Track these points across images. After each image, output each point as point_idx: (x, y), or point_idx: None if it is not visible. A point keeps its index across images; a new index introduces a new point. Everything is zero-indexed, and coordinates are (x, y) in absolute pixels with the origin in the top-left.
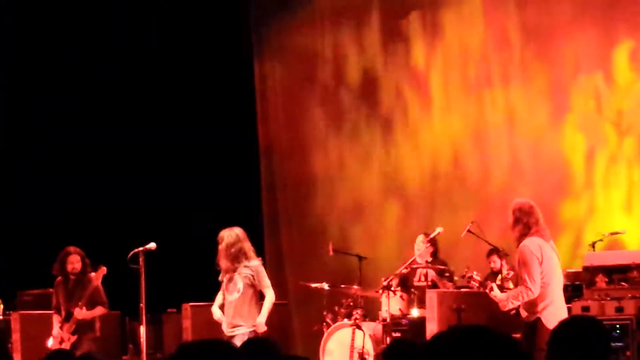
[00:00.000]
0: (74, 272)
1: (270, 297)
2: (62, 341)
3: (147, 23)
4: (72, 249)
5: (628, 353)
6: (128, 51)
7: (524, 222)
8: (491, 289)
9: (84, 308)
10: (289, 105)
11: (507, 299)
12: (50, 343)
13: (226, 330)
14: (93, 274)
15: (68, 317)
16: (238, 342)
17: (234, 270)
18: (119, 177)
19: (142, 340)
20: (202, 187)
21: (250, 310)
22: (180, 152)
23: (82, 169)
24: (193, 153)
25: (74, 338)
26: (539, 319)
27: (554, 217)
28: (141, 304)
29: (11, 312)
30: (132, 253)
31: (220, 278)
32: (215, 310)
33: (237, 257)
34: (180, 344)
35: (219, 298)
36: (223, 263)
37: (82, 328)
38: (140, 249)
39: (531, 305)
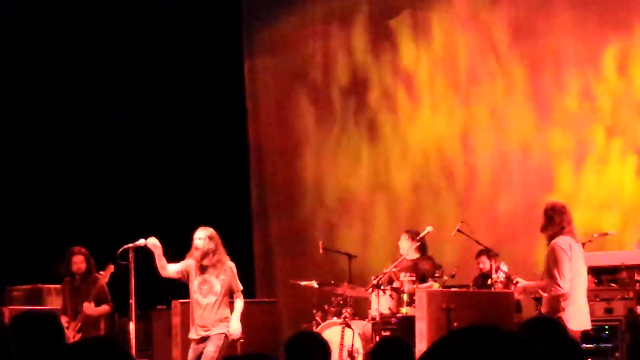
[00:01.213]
0: (79, 272)
1: (242, 301)
2: (67, 338)
3: (140, 22)
4: (76, 249)
5: (617, 354)
6: (118, 50)
7: (557, 222)
8: (517, 282)
9: (93, 304)
10: (278, 104)
11: (535, 289)
12: None
13: (199, 332)
14: (101, 272)
15: (74, 315)
16: (212, 344)
17: (212, 273)
18: (110, 176)
19: (131, 337)
20: (191, 186)
21: (224, 312)
22: (169, 151)
23: (74, 168)
24: (182, 151)
25: (78, 336)
26: (559, 318)
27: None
28: (131, 301)
29: (1, 307)
30: (121, 249)
31: (188, 271)
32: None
33: (219, 259)
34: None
35: (177, 266)
36: (202, 262)
37: (87, 326)
38: (130, 245)
39: (554, 303)
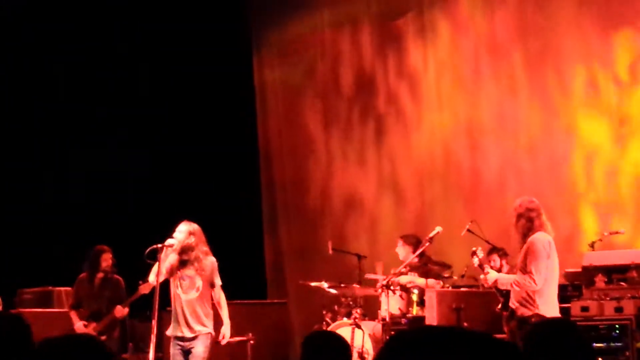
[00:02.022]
0: (106, 270)
1: (224, 299)
2: None
3: (146, 19)
4: (105, 247)
5: (627, 353)
6: (125, 47)
7: (527, 217)
8: (487, 273)
9: (127, 309)
10: (287, 103)
11: (508, 282)
12: None
13: (182, 330)
14: (141, 283)
15: (96, 316)
16: (201, 344)
17: (192, 269)
18: (119, 181)
19: (153, 336)
20: (201, 187)
21: (208, 310)
22: (178, 151)
23: (82, 169)
24: (191, 151)
25: (102, 338)
26: (536, 316)
27: (549, 215)
28: (155, 302)
29: (11, 310)
30: (150, 249)
31: (173, 268)
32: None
33: (197, 256)
34: None
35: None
36: (182, 257)
37: (108, 328)
38: (159, 245)
39: (528, 301)
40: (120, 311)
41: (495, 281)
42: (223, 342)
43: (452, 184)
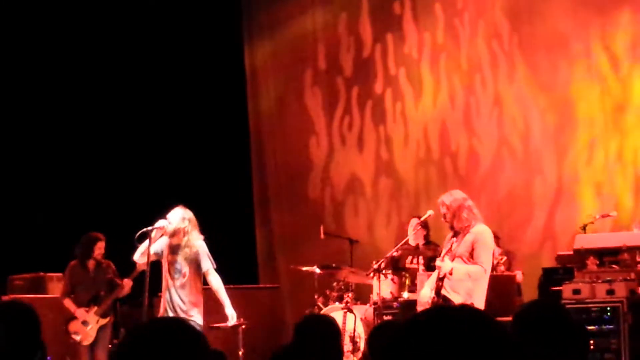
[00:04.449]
0: (98, 258)
1: (219, 282)
2: (86, 323)
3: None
4: (100, 235)
5: (620, 336)
6: (116, 37)
7: (467, 207)
8: (442, 259)
9: (130, 282)
10: (280, 88)
11: (463, 272)
12: (78, 327)
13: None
14: (125, 280)
15: (96, 300)
16: None
17: (181, 254)
18: (109, 167)
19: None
20: (192, 173)
21: (194, 296)
22: (169, 136)
23: (72, 159)
24: (182, 135)
25: (104, 321)
26: (472, 305)
27: (543, 201)
28: (146, 286)
29: (2, 296)
30: (140, 232)
31: (163, 250)
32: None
33: (188, 242)
34: None
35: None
36: (172, 240)
37: (109, 311)
38: (150, 228)
39: (469, 292)
40: (128, 283)
41: (452, 269)
42: (230, 324)
43: (450, 169)
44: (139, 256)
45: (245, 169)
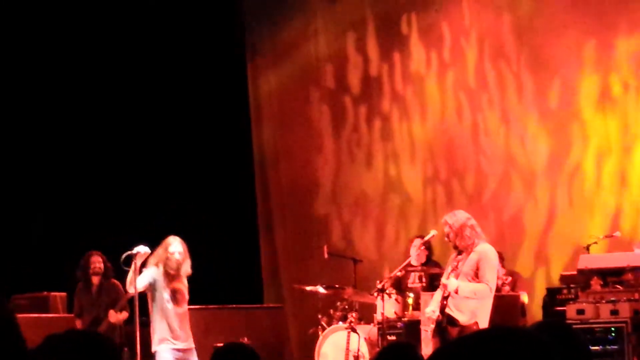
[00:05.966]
0: (97, 272)
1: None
2: None
3: (141, 24)
4: (93, 251)
5: (624, 356)
6: (121, 52)
7: (470, 226)
8: (447, 278)
9: (121, 312)
10: (284, 108)
11: (469, 291)
12: None
13: (174, 342)
14: (117, 312)
15: (95, 323)
16: (195, 357)
17: (181, 281)
18: (113, 184)
19: (137, 343)
20: (197, 192)
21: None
22: (173, 155)
23: (78, 172)
24: (187, 156)
25: None
26: (476, 324)
27: (551, 219)
28: (135, 307)
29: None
30: (125, 255)
31: (156, 279)
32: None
33: (187, 269)
34: None
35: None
36: (179, 271)
37: (108, 334)
38: (133, 252)
39: (474, 311)
40: (114, 316)
41: (458, 287)
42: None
43: (457, 188)
44: (129, 286)
45: (250, 188)
